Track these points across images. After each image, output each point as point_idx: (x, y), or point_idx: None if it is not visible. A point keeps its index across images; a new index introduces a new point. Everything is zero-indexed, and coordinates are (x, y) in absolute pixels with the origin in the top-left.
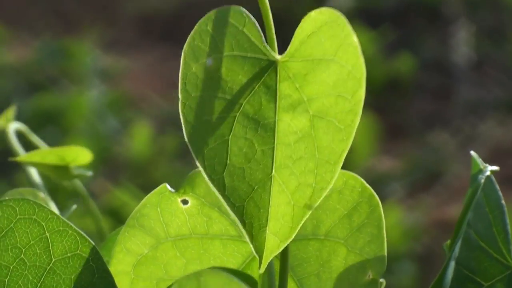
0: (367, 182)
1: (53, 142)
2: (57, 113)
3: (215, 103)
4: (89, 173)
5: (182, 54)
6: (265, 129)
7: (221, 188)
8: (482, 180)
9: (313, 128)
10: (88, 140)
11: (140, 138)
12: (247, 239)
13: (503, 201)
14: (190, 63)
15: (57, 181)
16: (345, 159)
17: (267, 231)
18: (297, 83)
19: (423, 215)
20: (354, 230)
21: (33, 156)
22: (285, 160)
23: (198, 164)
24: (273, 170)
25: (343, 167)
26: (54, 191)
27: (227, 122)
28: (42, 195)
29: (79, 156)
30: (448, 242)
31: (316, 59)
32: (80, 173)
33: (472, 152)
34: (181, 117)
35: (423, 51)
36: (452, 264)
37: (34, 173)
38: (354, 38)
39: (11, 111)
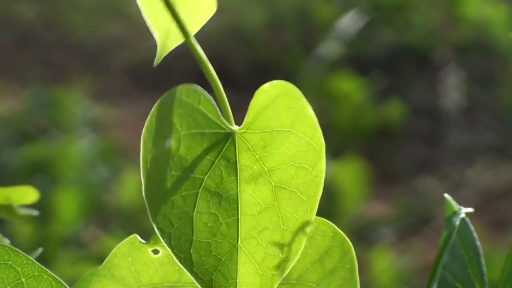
0: (358, 227)
1: (42, 191)
2: (46, 162)
3: (177, 182)
4: (35, 213)
5: (141, 139)
6: (228, 201)
7: (189, 265)
8: (457, 223)
9: (276, 199)
10: (78, 189)
11: (130, 187)
12: None
13: (478, 243)
14: (149, 147)
15: (5, 219)
16: (336, 204)
17: None
18: (256, 154)
19: (413, 259)
20: (326, 274)
21: None
22: (251, 231)
23: (165, 244)
24: (239, 241)
25: (332, 212)
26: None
27: (190, 199)
28: (7, 241)
29: (25, 196)
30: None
31: (274, 130)
32: (25, 213)
33: (446, 195)
34: (145, 201)
35: (413, 97)
36: None
37: None
38: (310, 110)
39: None
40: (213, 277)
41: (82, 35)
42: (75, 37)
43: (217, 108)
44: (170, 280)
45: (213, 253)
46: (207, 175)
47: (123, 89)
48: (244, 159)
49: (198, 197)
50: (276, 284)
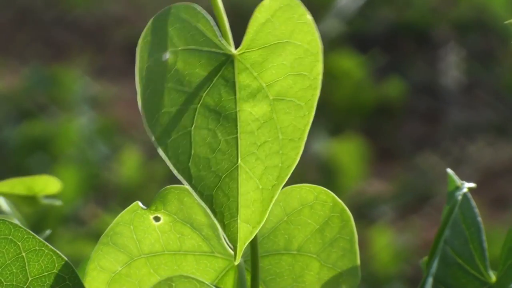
0: (358, 204)
1: (42, 168)
2: (46, 140)
3: (174, 95)
4: (58, 203)
5: (137, 49)
6: (227, 119)
7: (188, 178)
8: (459, 197)
9: (274, 111)
10: (77, 167)
11: (129, 164)
12: (219, 228)
13: (479, 218)
14: (145, 57)
15: (26, 209)
16: (335, 182)
17: (238, 220)
18: (255, 72)
19: (413, 236)
20: (326, 244)
21: (2, 186)
22: (250, 148)
23: (161, 153)
24: (239, 159)
25: (332, 190)
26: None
27: (188, 114)
28: (16, 221)
29: (48, 186)
30: (425, 258)
31: (272, 45)
32: (49, 203)
33: (449, 170)
34: (140, 109)
35: (413, 75)
36: (430, 280)
37: (2, 202)
38: (308, 16)
39: None
40: (213, 193)
41: (82, 12)
42: (74, 14)
43: (216, 29)
44: (171, 248)
45: (212, 169)
46: (206, 93)
47: (123, 67)
48: (242, 79)
49: (197, 113)
50: (277, 194)
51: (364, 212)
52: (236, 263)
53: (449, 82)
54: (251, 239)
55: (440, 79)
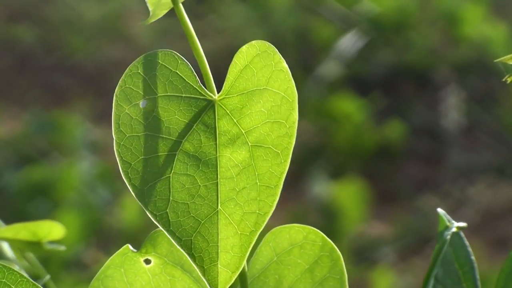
0: (359, 247)
1: (43, 214)
2: (47, 185)
3: (152, 142)
4: (62, 248)
5: (114, 97)
6: (206, 165)
7: (165, 224)
8: (448, 237)
9: (253, 158)
10: (79, 212)
11: (130, 209)
12: (199, 272)
13: (473, 257)
14: (122, 105)
15: (30, 254)
16: (337, 224)
17: (218, 265)
18: (234, 118)
19: (414, 278)
20: (317, 284)
21: (6, 232)
22: (229, 193)
23: (138, 201)
24: (219, 205)
25: (333, 232)
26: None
27: (167, 160)
28: (17, 267)
29: (51, 231)
30: None
31: (251, 91)
32: (53, 248)
33: (439, 210)
34: (116, 157)
35: (413, 117)
36: None
37: (6, 248)
38: (284, 64)
39: None
40: (192, 238)
41: (82, 58)
42: (74, 59)
43: (196, 75)
44: None
45: (192, 215)
46: (185, 139)
47: None
48: (223, 125)
49: (176, 159)
50: (254, 240)
51: (365, 254)
52: None
53: (450, 124)
54: (231, 283)
55: (440, 121)
